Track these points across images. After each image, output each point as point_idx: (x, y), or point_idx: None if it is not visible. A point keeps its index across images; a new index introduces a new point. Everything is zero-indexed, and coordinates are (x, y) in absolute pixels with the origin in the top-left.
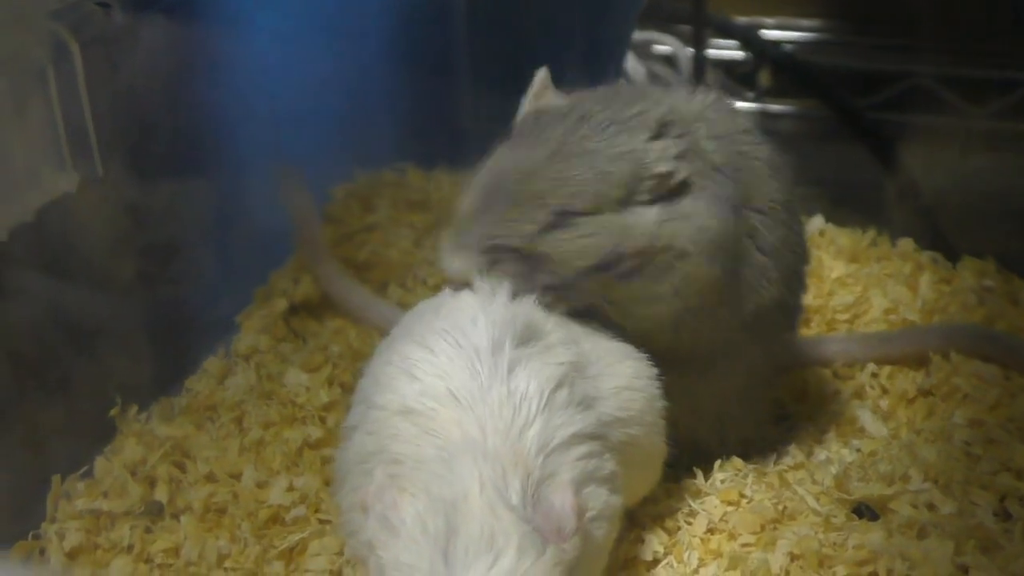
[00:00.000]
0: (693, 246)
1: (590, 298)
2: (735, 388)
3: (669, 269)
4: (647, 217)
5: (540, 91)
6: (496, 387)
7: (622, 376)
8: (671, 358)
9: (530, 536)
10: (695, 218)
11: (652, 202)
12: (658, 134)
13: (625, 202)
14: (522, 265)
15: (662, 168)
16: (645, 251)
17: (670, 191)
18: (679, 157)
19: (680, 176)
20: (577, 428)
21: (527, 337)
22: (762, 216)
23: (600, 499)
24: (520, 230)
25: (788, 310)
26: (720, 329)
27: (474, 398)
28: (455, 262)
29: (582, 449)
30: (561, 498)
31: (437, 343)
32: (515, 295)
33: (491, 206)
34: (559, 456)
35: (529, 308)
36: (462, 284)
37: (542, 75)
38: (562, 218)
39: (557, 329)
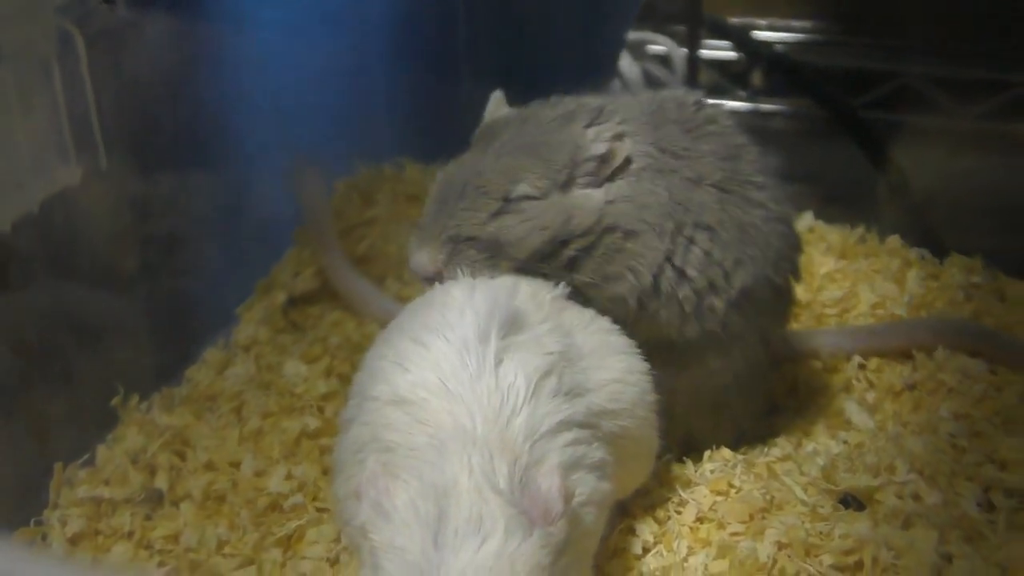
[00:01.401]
0: (638, 224)
1: (554, 280)
2: (733, 380)
3: (619, 250)
4: (593, 198)
5: (495, 109)
6: (485, 377)
7: (614, 369)
8: (670, 349)
9: (517, 519)
10: (639, 196)
11: (597, 184)
12: (593, 121)
13: (568, 185)
14: (482, 252)
15: (597, 150)
16: (592, 229)
17: (613, 172)
18: (615, 138)
19: (619, 157)
20: (564, 416)
21: (513, 327)
22: (726, 193)
23: (588, 485)
24: (472, 218)
25: (779, 292)
26: (707, 316)
27: (464, 388)
28: (420, 256)
29: (569, 436)
30: (548, 482)
31: (427, 337)
32: (479, 280)
33: (447, 205)
34: (546, 442)
35: (515, 298)
36: (431, 278)
37: (497, 95)
38: (509, 204)
39: (548, 319)
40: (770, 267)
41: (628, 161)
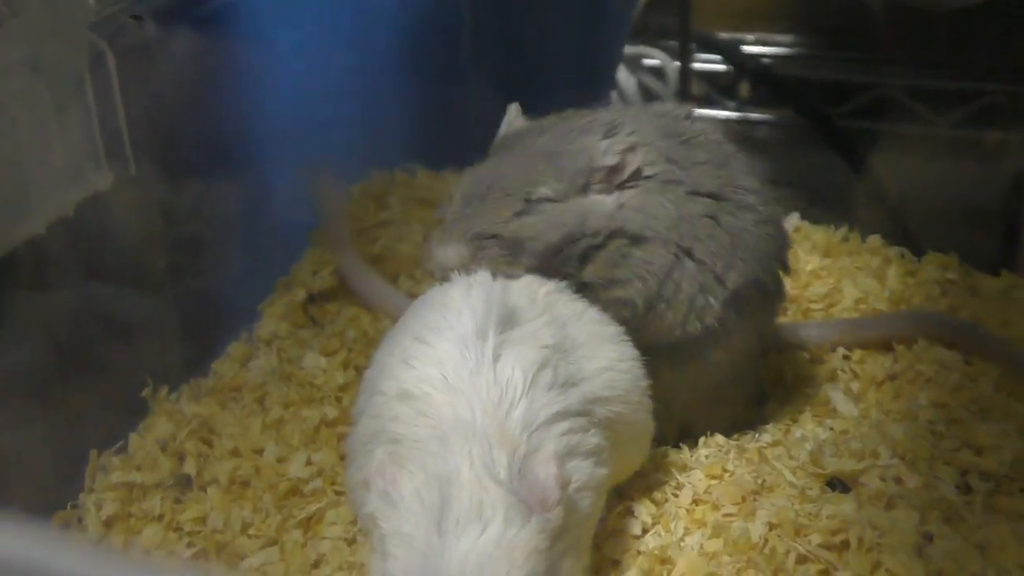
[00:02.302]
0: (646, 231)
1: (565, 276)
2: (730, 371)
3: (626, 255)
4: (605, 203)
5: (512, 119)
6: (484, 372)
7: (607, 358)
8: (673, 346)
9: (515, 507)
10: (648, 207)
11: (609, 191)
12: (608, 134)
13: (584, 191)
14: (504, 249)
15: (610, 160)
16: (602, 230)
17: (623, 182)
18: (628, 151)
19: (630, 167)
20: (560, 406)
21: (509, 322)
22: (721, 201)
23: (584, 471)
24: (497, 218)
25: (767, 291)
26: (706, 313)
27: (464, 383)
28: (445, 251)
29: (565, 425)
30: (545, 471)
31: (430, 335)
32: (499, 278)
33: (472, 205)
34: (543, 432)
35: (509, 295)
36: (451, 273)
37: (514, 107)
38: (531, 205)
39: (543, 313)
40: (760, 268)
41: (639, 172)
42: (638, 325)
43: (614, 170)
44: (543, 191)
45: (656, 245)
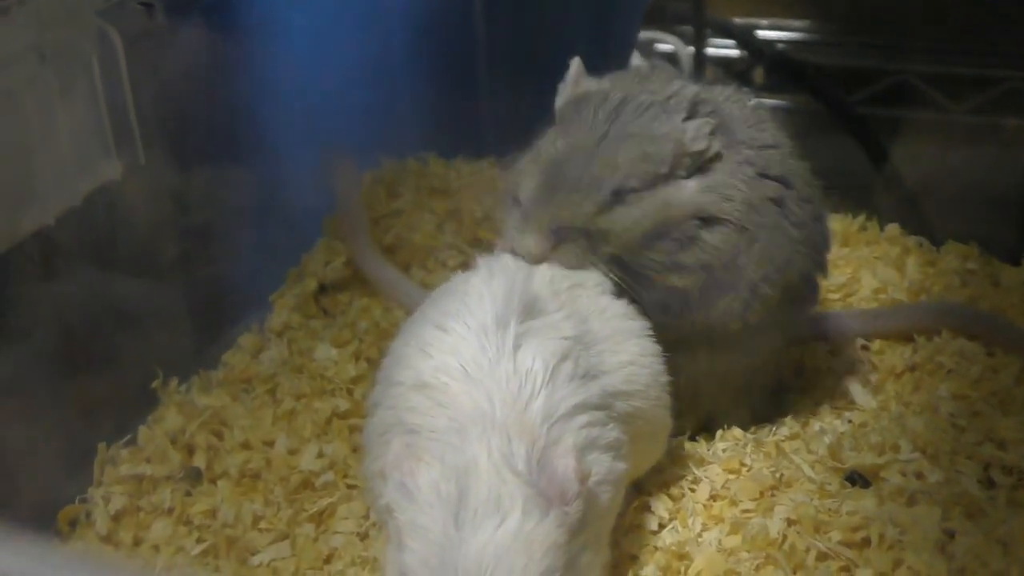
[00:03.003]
0: (721, 213)
1: (645, 268)
2: (761, 361)
3: (695, 238)
4: (688, 189)
5: (576, 79)
6: (504, 362)
7: (628, 352)
8: (709, 336)
9: (534, 499)
10: (724, 189)
11: (690, 175)
12: (692, 113)
13: (668, 177)
14: (586, 241)
15: (699, 146)
16: (683, 217)
17: (704, 164)
18: (711, 134)
19: (714, 150)
20: (580, 399)
21: (530, 312)
22: (787, 189)
23: (604, 465)
24: (583, 211)
25: (814, 284)
26: (764, 303)
27: (483, 372)
28: (526, 241)
29: (585, 418)
30: (564, 464)
31: (449, 324)
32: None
33: (553, 190)
34: (563, 425)
35: (531, 284)
36: (535, 261)
37: (576, 64)
38: (617, 197)
39: (564, 306)
40: (812, 263)
41: (719, 155)
42: (682, 315)
43: (701, 154)
44: (631, 182)
45: (727, 229)
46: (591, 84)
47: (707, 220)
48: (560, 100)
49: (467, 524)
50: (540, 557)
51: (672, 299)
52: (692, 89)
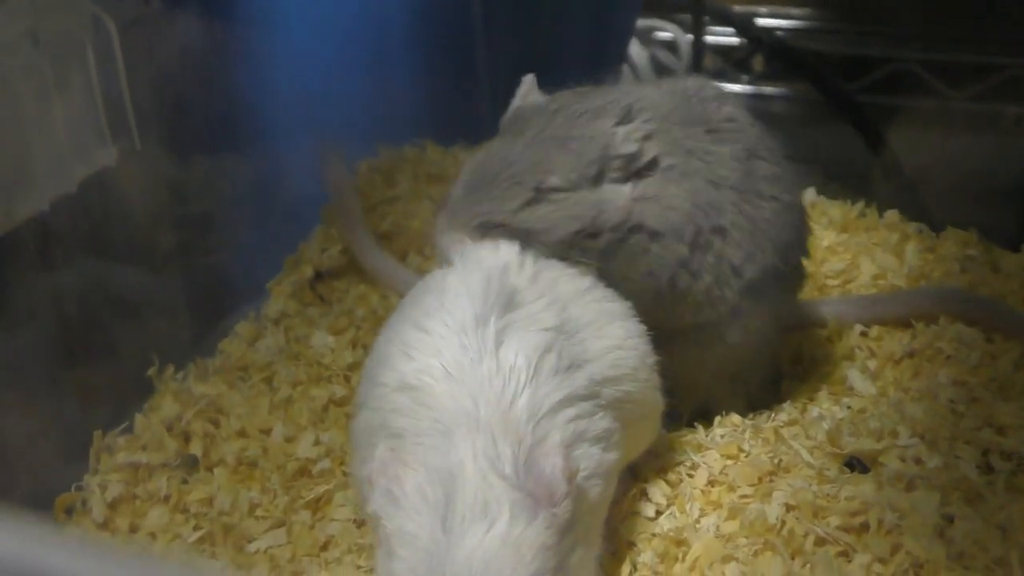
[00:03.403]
0: (662, 225)
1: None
2: (748, 353)
3: (646, 250)
4: (620, 193)
5: (526, 93)
6: (486, 361)
7: (613, 336)
8: (694, 329)
9: (521, 503)
10: (664, 198)
11: (624, 180)
12: (624, 119)
13: (598, 180)
14: (511, 239)
15: (627, 149)
16: (621, 226)
17: (640, 170)
18: (645, 139)
19: (647, 156)
20: (566, 392)
21: (509, 305)
22: (742, 192)
23: (593, 458)
24: (505, 206)
25: (786, 278)
26: (720, 303)
27: (465, 373)
28: (450, 238)
29: (572, 411)
30: (551, 463)
31: (429, 324)
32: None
33: (478, 189)
34: (549, 421)
35: (508, 277)
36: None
37: (528, 80)
38: (541, 194)
39: (544, 294)
40: (778, 257)
41: (656, 161)
42: (653, 311)
43: (631, 159)
44: (554, 180)
45: (671, 239)
46: (537, 99)
47: (653, 233)
48: (506, 114)
49: (455, 529)
50: (529, 561)
51: (641, 298)
52: (630, 98)
